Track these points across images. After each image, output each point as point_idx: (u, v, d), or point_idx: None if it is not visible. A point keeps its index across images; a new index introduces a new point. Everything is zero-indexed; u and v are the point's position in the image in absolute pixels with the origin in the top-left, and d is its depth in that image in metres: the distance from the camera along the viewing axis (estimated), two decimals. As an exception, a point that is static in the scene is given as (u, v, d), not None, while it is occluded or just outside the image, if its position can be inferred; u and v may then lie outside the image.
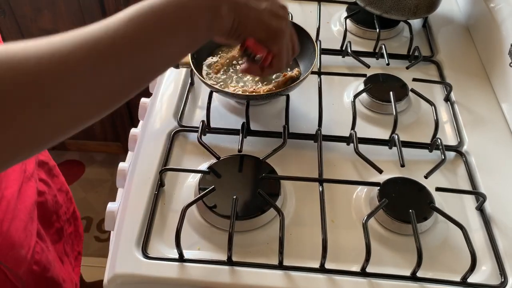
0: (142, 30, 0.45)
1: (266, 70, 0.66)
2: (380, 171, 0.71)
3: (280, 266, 0.62)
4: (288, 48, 0.64)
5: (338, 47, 0.96)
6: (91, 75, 0.42)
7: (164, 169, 0.72)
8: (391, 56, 0.93)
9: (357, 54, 0.92)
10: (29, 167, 0.79)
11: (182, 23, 0.49)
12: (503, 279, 0.62)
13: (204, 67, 0.84)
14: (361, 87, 0.85)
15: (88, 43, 0.42)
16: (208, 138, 0.77)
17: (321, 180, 0.70)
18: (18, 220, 0.73)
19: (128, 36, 0.44)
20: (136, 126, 0.88)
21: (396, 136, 0.76)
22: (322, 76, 0.87)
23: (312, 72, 0.81)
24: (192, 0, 0.50)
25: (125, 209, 0.68)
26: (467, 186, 0.74)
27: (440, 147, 0.75)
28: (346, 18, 1.00)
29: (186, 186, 0.72)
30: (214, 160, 0.72)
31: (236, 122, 0.81)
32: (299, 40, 0.84)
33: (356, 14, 1.01)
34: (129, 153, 0.86)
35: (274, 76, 0.81)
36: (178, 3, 0.49)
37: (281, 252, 0.61)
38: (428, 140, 0.78)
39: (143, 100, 0.90)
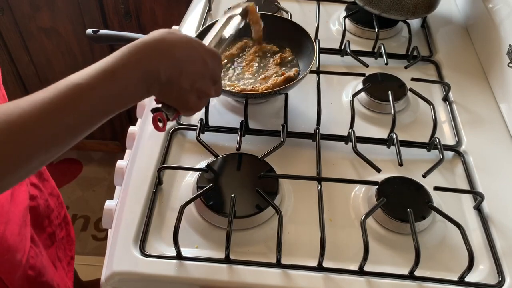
0: (63, 110, 0.47)
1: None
2: (378, 170, 0.71)
3: (278, 265, 0.62)
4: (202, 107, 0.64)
5: (337, 46, 0.96)
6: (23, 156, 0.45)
7: (162, 167, 0.71)
8: (390, 55, 0.93)
9: (356, 54, 0.92)
10: None
11: (109, 103, 0.51)
12: (500, 278, 0.62)
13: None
14: (360, 86, 0.85)
15: (12, 119, 0.44)
16: (206, 137, 0.77)
17: (319, 179, 0.70)
18: (12, 224, 0.72)
19: (50, 115, 0.46)
20: (134, 124, 0.88)
21: (394, 135, 0.76)
22: (321, 75, 0.87)
23: (311, 71, 0.81)
24: (128, 82, 0.51)
25: (123, 207, 0.68)
26: (465, 186, 0.74)
27: (438, 146, 0.75)
28: (345, 17, 1.01)
29: (184, 184, 0.72)
30: (212, 159, 0.72)
31: (234, 121, 0.80)
32: (298, 39, 0.85)
33: (355, 14, 1.02)
34: (127, 151, 0.86)
35: (273, 75, 0.81)
36: (110, 81, 0.50)
37: (279, 251, 0.61)
38: (426, 140, 0.78)
39: (142, 98, 0.90)
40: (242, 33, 0.87)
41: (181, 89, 0.57)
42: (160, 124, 0.59)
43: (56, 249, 0.93)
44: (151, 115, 0.80)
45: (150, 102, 0.85)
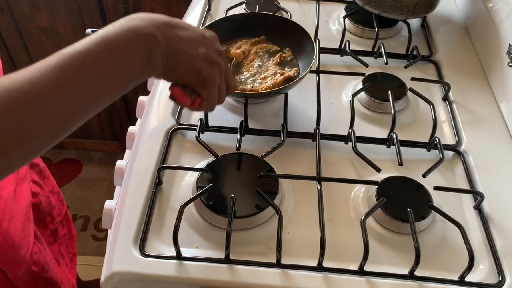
0: (65, 78, 0.44)
1: (195, 108, 0.63)
2: (378, 170, 0.71)
3: (278, 265, 0.62)
4: (221, 89, 0.61)
5: (336, 46, 0.96)
6: (13, 125, 0.41)
7: (162, 167, 0.71)
8: (390, 55, 0.93)
9: (355, 53, 0.92)
10: (22, 168, 0.79)
11: (109, 69, 0.48)
12: (500, 278, 0.62)
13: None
14: (360, 86, 0.85)
15: (11, 92, 0.41)
16: (206, 136, 0.77)
17: (319, 179, 0.70)
18: (16, 220, 0.73)
19: (51, 85, 0.43)
20: (134, 124, 0.88)
21: (394, 135, 0.76)
22: (321, 75, 0.87)
23: (311, 71, 0.81)
24: (123, 44, 0.48)
25: (123, 207, 0.68)
26: (465, 185, 0.74)
27: (438, 146, 0.75)
28: (344, 17, 1.00)
29: (184, 184, 0.72)
30: (212, 158, 0.72)
31: (234, 121, 0.80)
32: (298, 39, 0.85)
33: (354, 13, 1.02)
34: (127, 151, 0.86)
35: (272, 75, 0.81)
36: (106, 46, 0.47)
37: (279, 251, 0.61)
38: (426, 139, 0.78)
39: (141, 98, 0.90)
40: (241, 33, 0.88)
41: (187, 54, 0.54)
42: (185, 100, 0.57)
43: (59, 245, 0.94)
44: (152, 114, 0.81)
45: (150, 102, 0.85)
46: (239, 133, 0.75)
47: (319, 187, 0.69)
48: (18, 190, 0.76)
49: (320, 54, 0.93)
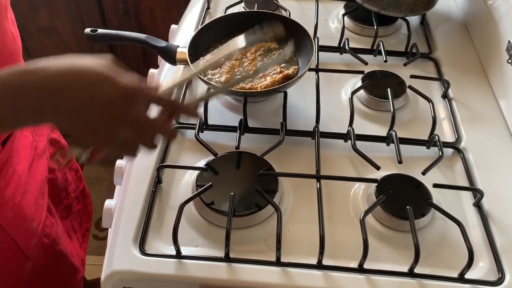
0: None
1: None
2: (377, 168, 0.71)
3: (278, 263, 0.62)
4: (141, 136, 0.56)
5: (336, 44, 0.96)
6: None
7: (161, 166, 0.71)
8: (389, 53, 0.93)
9: (354, 51, 0.92)
10: (41, 144, 0.82)
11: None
12: (500, 275, 0.62)
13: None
14: (359, 84, 0.85)
15: None
16: (205, 135, 0.77)
17: (318, 177, 0.70)
18: (29, 195, 0.75)
19: None
20: (133, 124, 0.88)
21: (393, 132, 0.76)
22: (320, 73, 0.87)
23: (310, 69, 0.81)
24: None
25: (123, 206, 0.68)
26: (465, 183, 0.74)
27: (438, 143, 0.75)
28: (344, 15, 1.00)
29: (184, 183, 0.72)
30: (211, 157, 0.72)
31: (233, 119, 0.80)
32: (297, 37, 0.84)
33: (354, 11, 1.01)
34: (127, 150, 0.86)
35: (271, 73, 0.81)
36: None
37: (278, 249, 0.61)
38: (425, 137, 0.78)
39: (141, 97, 0.90)
40: (240, 32, 0.87)
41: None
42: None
43: (72, 220, 0.97)
44: (154, 111, 0.81)
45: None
46: (238, 131, 0.75)
47: (318, 185, 0.69)
48: (35, 166, 0.78)
49: (319, 52, 0.93)
